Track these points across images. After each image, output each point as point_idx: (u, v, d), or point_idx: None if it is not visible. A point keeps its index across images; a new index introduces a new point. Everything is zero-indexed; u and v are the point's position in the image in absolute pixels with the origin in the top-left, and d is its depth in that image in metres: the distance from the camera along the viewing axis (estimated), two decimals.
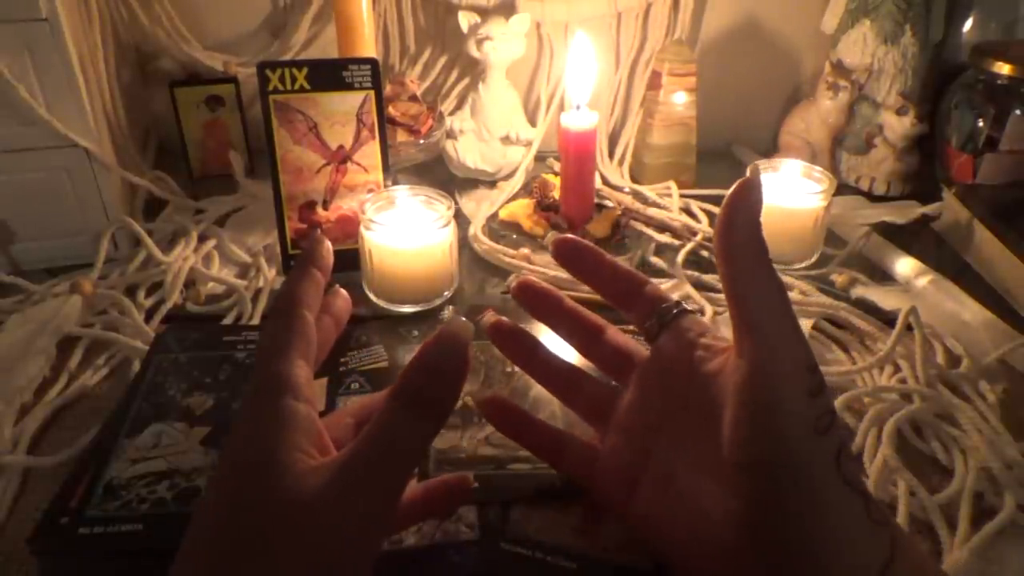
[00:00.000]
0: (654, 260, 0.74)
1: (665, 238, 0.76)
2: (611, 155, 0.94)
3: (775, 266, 0.29)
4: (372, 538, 0.25)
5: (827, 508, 0.24)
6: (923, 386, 0.56)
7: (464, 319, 0.29)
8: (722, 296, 0.68)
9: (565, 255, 0.39)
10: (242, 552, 0.23)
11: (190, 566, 0.24)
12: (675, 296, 0.67)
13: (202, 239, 0.73)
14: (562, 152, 0.73)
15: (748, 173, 0.31)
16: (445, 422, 0.28)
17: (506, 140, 0.86)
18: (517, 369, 0.44)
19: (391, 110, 0.77)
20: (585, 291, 0.68)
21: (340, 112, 0.67)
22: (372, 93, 0.67)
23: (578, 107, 0.71)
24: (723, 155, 0.99)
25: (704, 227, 0.77)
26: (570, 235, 0.39)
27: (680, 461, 0.31)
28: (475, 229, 0.76)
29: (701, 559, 0.29)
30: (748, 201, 0.29)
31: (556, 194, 0.76)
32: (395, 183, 0.71)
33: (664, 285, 0.69)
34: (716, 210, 0.82)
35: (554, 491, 0.40)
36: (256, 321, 0.63)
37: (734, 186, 0.29)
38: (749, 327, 0.28)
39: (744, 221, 0.29)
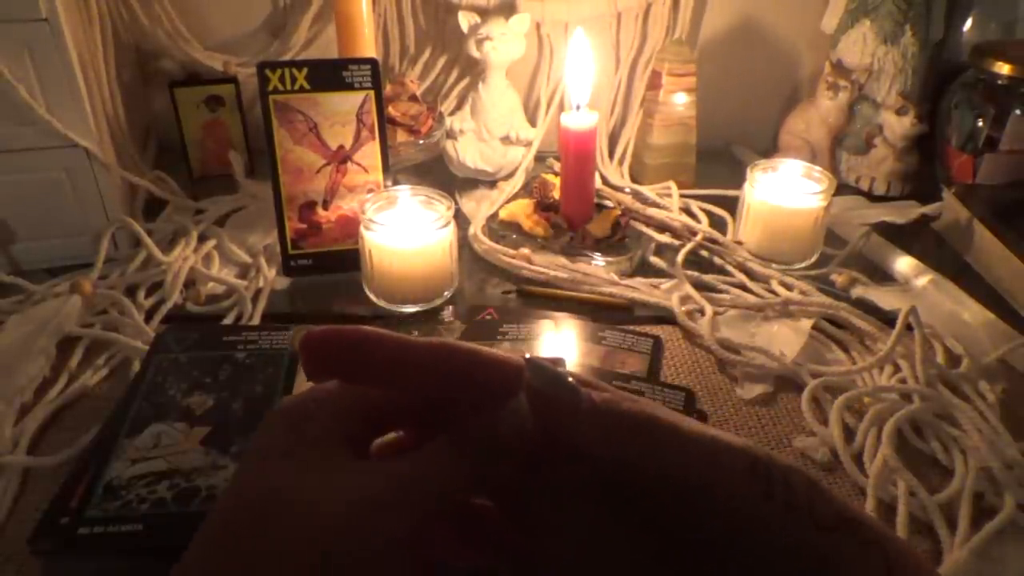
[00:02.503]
0: (654, 260, 0.74)
1: (665, 238, 0.76)
2: (611, 155, 0.94)
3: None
4: (390, 567, 0.24)
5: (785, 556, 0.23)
6: (923, 386, 0.56)
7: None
8: (722, 296, 0.68)
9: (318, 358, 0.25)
10: (246, 552, 0.22)
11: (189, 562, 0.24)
12: (675, 296, 0.67)
13: (202, 239, 0.73)
14: (562, 152, 0.73)
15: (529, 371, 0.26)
16: (494, 471, 0.26)
17: (506, 140, 0.86)
18: None
19: (391, 110, 0.77)
20: (585, 292, 0.68)
21: (340, 112, 0.67)
22: (372, 93, 0.67)
23: (578, 107, 0.71)
24: (723, 155, 0.99)
25: (704, 227, 0.77)
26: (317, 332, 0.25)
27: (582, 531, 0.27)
28: (475, 229, 0.76)
29: None
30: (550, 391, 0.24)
31: (556, 194, 0.76)
32: (395, 183, 0.71)
33: (664, 285, 0.69)
34: (716, 210, 0.82)
35: None
36: (256, 321, 0.63)
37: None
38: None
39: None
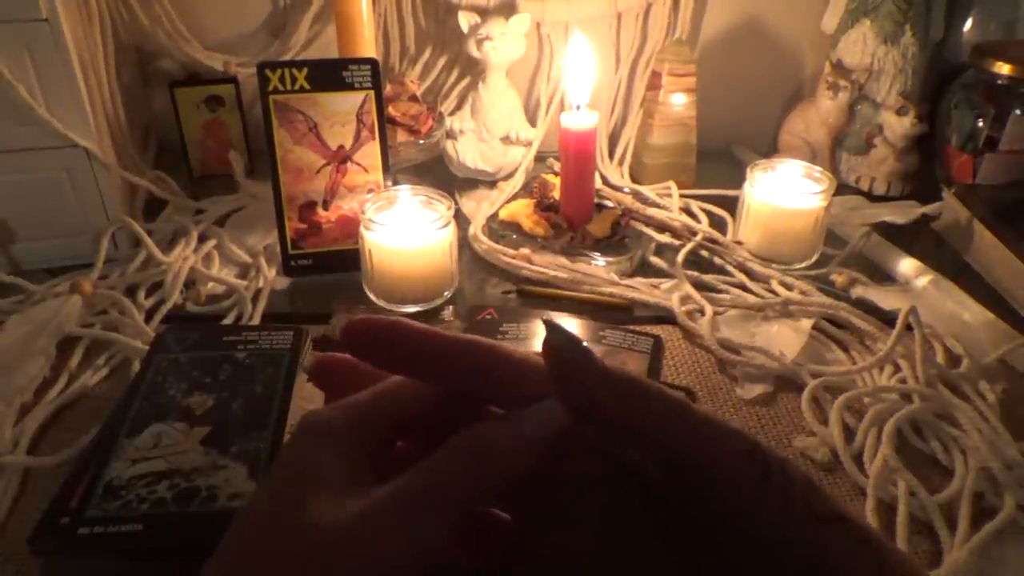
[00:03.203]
0: (654, 260, 0.74)
1: (665, 238, 0.76)
2: (611, 155, 0.94)
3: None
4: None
5: (780, 549, 0.24)
6: (923, 386, 0.56)
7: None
8: (722, 296, 0.68)
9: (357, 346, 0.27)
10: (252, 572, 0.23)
11: None
12: (675, 296, 0.67)
13: (202, 239, 0.73)
14: (562, 152, 0.73)
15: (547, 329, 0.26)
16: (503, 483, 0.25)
17: (506, 140, 0.86)
18: None
19: (391, 110, 0.77)
20: (585, 292, 0.68)
21: (340, 112, 0.67)
22: (372, 93, 0.67)
23: (578, 107, 0.71)
24: (723, 155, 0.99)
25: (704, 227, 0.77)
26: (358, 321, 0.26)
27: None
28: (475, 229, 0.76)
29: None
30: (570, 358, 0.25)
31: (556, 194, 0.76)
32: (395, 183, 0.72)
33: (664, 285, 0.69)
34: (716, 210, 0.82)
35: None
36: (256, 321, 0.63)
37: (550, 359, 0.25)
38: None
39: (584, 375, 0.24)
